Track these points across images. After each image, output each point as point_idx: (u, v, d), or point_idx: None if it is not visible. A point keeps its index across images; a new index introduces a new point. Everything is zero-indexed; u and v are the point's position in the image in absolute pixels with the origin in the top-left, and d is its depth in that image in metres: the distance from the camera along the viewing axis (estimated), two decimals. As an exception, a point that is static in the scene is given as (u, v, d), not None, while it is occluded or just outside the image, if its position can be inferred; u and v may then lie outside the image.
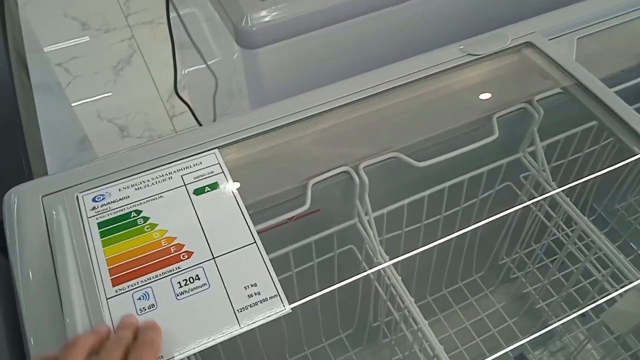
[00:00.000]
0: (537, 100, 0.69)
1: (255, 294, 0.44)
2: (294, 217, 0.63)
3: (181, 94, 1.62)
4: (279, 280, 0.71)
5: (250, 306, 0.44)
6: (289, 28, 0.68)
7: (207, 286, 0.45)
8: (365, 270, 0.71)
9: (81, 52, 1.91)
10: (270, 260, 0.68)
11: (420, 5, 0.77)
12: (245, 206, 0.59)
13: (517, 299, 0.95)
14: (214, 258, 0.46)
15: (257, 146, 0.61)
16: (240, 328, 0.43)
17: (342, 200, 0.68)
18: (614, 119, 0.59)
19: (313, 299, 0.58)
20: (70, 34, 1.97)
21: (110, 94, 1.78)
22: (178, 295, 0.44)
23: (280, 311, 0.44)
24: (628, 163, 0.60)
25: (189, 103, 1.52)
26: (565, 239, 0.76)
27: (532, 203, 0.79)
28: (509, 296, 0.94)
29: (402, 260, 0.62)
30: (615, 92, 0.65)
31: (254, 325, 0.43)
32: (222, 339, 0.42)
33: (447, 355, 0.59)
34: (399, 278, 0.65)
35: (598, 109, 0.60)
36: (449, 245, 0.85)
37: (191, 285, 0.45)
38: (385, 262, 0.66)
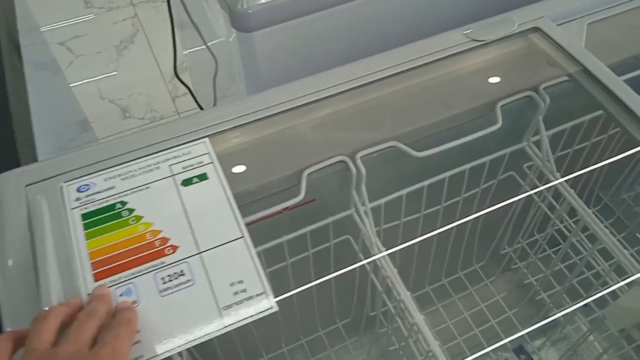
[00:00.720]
0: (543, 88, 0.67)
1: (242, 291, 0.43)
2: (288, 207, 0.62)
3: (182, 76, 1.60)
4: (274, 270, 0.71)
5: (236, 304, 0.42)
6: (286, 11, 0.65)
7: (192, 282, 0.43)
8: (362, 261, 0.69)
9: (84, 30, 1.89)
10: (265, 250, 0.67)
11: (424, -13, 0.74)
12: (237, 197, 0.58)
13: (518, 290, 0.93)
14: (199, 253, 0.45)
15: (250, 135, 0.59)
16: (225, 327, 0.41)
17: (339, 190, 0.66)
18: (621, 109, 0.56)
19: (309, 287, 0.57)
20: (73, 12, 1.95)
21: (112, 74, 1.76)
22: (162, 291, 0.43)
23: (266, 309, 0.42)
24: (635, 153, 0.58)
25: (191, 84, 1.50)
26: (568, 233, 0.74)
27: (535, 193, 0.77)
28: (510, 287, 0.93)
29: (400, 249, 0.61)
30: (626, 80, 0.63)
31: (238, 324, 0.42)
32: (205, 338, 0.41)
33: (442, 350, 0.58)
34: (395, 271, 0.63)
35: (605, 98, 0.58)
36: (449, 235, 0.83)
37: (175, 282, 0.43)
38: (381, 254, 0.64)
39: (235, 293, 0.43)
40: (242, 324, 0.42)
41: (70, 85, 1.70)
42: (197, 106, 1.29)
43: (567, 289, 0.86)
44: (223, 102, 1.11)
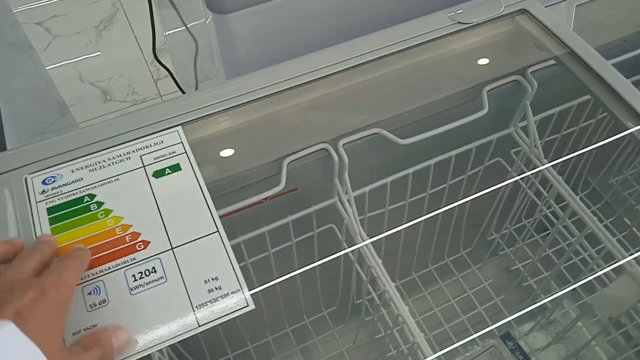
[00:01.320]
0: (530, 72, 0.65)
1: (216, 289, 0.41)
2: (269, 197, 0.60)
3: (164, 57, 1.56)
4: (257, 260, 0.69)
5: (210, 302, 0.40)
6: (264, -9, 0.63)
7: (164, 280, 0.41)
8: (345, 250, 0.68)
9: (62, 10, 1.83)
10: (247, 240, 0.65)
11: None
12: (215, 187, 0.55)
13: (506, 276, 0.92)
14: (172, 249, 0.43)
15: (227, 122, 0.57)
16: (199, 326, 0.40)
17: (322, 178, 0.64)
18: (609, 93, 0.55)
19: (293, 276, 0.55)
20: (51, -10, 1.88)
21: (92, 55, 1.71)
22: (132, 289, 0.41)
23: (242, 308, 0.40)
24: (623, 137, 0.56)
25: (172, 66, 1.46)
26: (556, 219, 0.73)
27: (523, 179, 0.76)
28: (497, 272, 0.92)
29: (386, 236, 0.59)
30: (615, 64, 0.61)
31: (213, 324, 0.40)
32: (178, 339, 0.39)
33: (426, 342, 0.57)
34: (379, 261, 0.62)
35: (593, 82, 0.56)
36: (435, 221, 0.82)
37: (147, 279, 0.41)
38: (364, 242, 0.62)
39: (210, 290, 0.41)
40: (217, 323, 0.40)
41: (49, 67, 1.65)
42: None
43: (555, 275, 0.85)
44: (203, 86, 1.08)
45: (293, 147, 0.59)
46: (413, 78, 0.63)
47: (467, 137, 0.70)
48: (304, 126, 0.61)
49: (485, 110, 0.63)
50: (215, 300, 0.41)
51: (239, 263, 0.67)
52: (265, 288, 0.50)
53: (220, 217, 0.53)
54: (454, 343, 0.59)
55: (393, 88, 0.63)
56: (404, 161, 0.69)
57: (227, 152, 0.57)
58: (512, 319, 0.86)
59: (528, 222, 0.85)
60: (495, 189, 0.73)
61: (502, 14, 0.62)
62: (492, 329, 0.75)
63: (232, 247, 0.62)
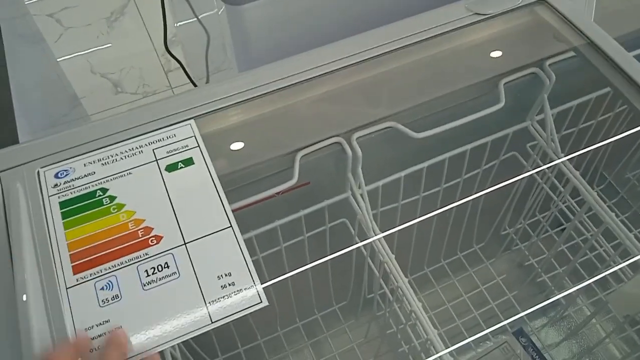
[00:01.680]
0: (549, 65, 0.63)
1: (230, 285, 0.41)
2: (282, 191, 0.59)
3: (175, 49, 1.55)
4: (269, 255, 0.68)
5: (224, 298, 0.40)
6: (277, -18, 0.62)
7: (177, 275, 0.41)
8: (357, 245, 0.67)
9: (73, 1, 1.82)
10: (259, 235, 0.65)
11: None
12: (228, 181, 0.55)
13: (519, 271, 0.91)
14: (185, 244, 0.42)
15: (240, 116, 0.56)
16: (212, 323, 0.39)
17: (335, 172, 0.63)
18: (630, 85, 0.53)
19: (304, 270, 0.54)
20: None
21: (103, 47, 1.71)
22: (145, 285, 0.40)
23: (256, 304, 0.40)
24: (642, 132, 0.55)
25: (183, 58, 1.46)
26: (572, 215, 0.71)
27: (538, 174, 0.74)
28: (510, 268, 0.91)
29: (398, 230, 0.58)
30: (637, 55, 0.60)
31: (227, 320, 0.39)
32: (191, 335, 0.39)
33: (439, 338, 0.56)
34: (392, 256, 0.61)
35: (613, 74, 0.55)
36: (448, 216, 0.81)
37: (159, 274, 0.41)
38: (376, 237, 0.62)
39: (223, 286, 0.40)
40: (230, 320, 0.40)
41: (61, 59, 1.65)
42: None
43: (569, 271, 0.84)
44: (215, 77, 1.07)
45: (306, 140, 0.58)
46: (428, 70, 0.62)
47: (482, 130, 0.69)
48: (317, 119, 0.61)
49: (502, 104, 0.62)
50: (229, 296, 0.40)
51: (251, 257, 0.67)
52: (277, 282, 0.49)
53: (232, 211, 0.52)
54: (466, 338, 0.58)
55: (408, 81, 0.62)
56: (418, 155, 0.68)
57: (239, 146, 0.57)
58: (525, 315, 0.86)
59: (543, 217, 0.84)
60: (509, 183, 0.72)
61: (520, 4, 0.61)
62: (504, 325, 0.74)
63: (245, 241, 0.62)
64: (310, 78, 0.58)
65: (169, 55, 1.68)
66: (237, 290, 0.40)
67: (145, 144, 0.48)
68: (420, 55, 0.61)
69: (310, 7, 0.67)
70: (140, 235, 0.43)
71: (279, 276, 0.51)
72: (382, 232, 0.62)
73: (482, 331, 0.60)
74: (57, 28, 1.74)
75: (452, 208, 0.77)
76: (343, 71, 0.59)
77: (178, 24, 1.32)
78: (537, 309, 0.89)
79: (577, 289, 0.80)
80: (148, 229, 0.43)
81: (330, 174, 0.64)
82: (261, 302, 0.40)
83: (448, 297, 0.87)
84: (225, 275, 0.41)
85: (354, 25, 0.62)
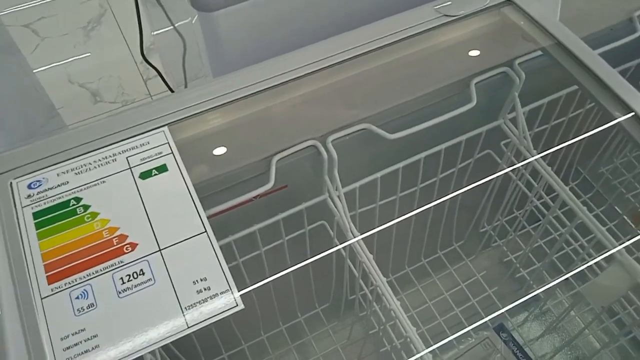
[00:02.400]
0: (518, 64, 0.65)
1: (205, 289, 0.41)
2: (259, 195, 0.59)
3: (153, 57, 1.55)
4: (249, 259, 0.69)
5: (199, 303, 0.40)
6: (249, -12, 0.62)
7: (153, 282, 0.41)
8: (335, 247, 0.68)
9: (50, 11, 1.81)
10: (239, 239, 0.65)
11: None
12: (204, 186, 0.55)
13: (498, 267, 0.93)
14: (160, 250, 0.42)
15: (215, 121, 0.57)
16: (188, 327, 0.39)
17: (312, 174, 0.64)
18: (596, 83, 0.55)
19: (285, 274, 0.55)
20: (37, -8, 1.87)
21: (81, 56, 1.70)
22: (120, 292, 0.40)
23: (231, 307, 0.40)
24: (612, 127, 0.56)
25: (161, 65, 1.45)
26: (546, 210, 0.73)
27: (513, 171, 0.76)
28: (490, 264, 0.92)
29: (378, 231, 0.59)
30: (602, 53, 0.61)
31: (203, 324, 0.40)
32: (168, 340, 0.39)
33: (418, 336, 0.57)
34: (371, 256, 0.61)
35: (579, 72, 0.56)
36: (426, 215, 0.82)
37: (135, 281, 0.41)
38: (355, 239, 0.62)
39: (199, 291, 0.41)
40: (206, 324, 0.40)
41: (38, 69, 1.64)
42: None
43: (547, 266, 0.86)
44: (193, 84, 1.07)
45: (282, 144, 0.59)
46: (401, 72, 0.63)
47: (456, 130, 0.70)
48: (293, 123, 0.61)
49: (474, 103, 0.63)
50: (205, 300, 0.40)
51: (230, 262, 0.67)
52: (258, 287, 0.50)
53: (210, 216, 0.52)
54: (448, 336, 0.59)
55: (381, 82, 0.63)
56: (394, 156, 0.69)
57: (215, 151, 0.57)
58: (506, 311, 0.87)
59: (519, 214, 0.85)
60: (485, 182, 0.73)
61: (488, 5, 0.62)
62: (485, 321, 0.75)
63: (223, 246, 0.63)
64: (284, 82, 0.58)
65: (147, 64, 1.68)
66: (213, 295, 0.41)
67: (119, 152, 0.49)
68: (391, 57, 0.62)
69: (282, 12, 0.67)
70: (114, 243, 0.43)
71: (260, 280, 0.52)
72: (360, 233, 0.63)
73: (464, 329, 0.61)
74: (34, 38, 1.73)
75: (430, 207, 0.78)
76: (316, 74, 0.59)
77: (155, 32, 1.32)
78: (518, 305, 0.91)
79: (556, 283, 0.82)
80: (123, 237, 0.43)
81: (307, 176, 0.65)
82: (237, 305, 0.40)
83: (429, 296, 0.87)
84: (201, 280, 0.41)
85: (326, 30, 0.63)
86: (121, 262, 0.42)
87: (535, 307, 0.88)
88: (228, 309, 0.40)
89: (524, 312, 0.88)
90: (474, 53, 0.64)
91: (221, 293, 0.41)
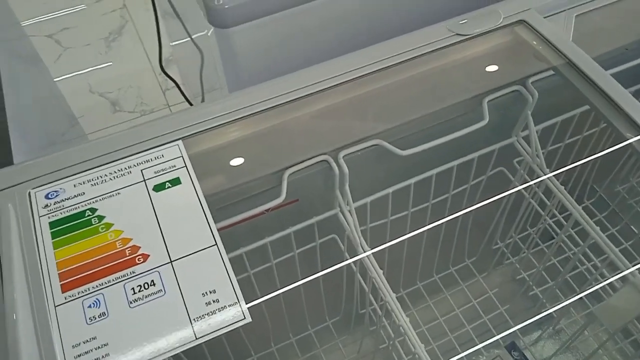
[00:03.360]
0: (531, 82, 0.65)
1: (214, 302, 0.42)
2: (270, 208, 0.60)
3: (172, 67, 1.58)
4: (260, 271, 0.69)
5: (208, 315, 0.41)
6: (263, 6, 0.63)
7: (163, 293, 0.42)
8: (346, 262, 0.68)
9: (72, 22, 1.86)
10: (250, 252, 0.66)
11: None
12: (217, 199, 0.56)
13: (511, 285, 0.92)
14: (171, 262, 0.43)
15: (229, 136, 0.58)
16: (196, 339, 0.40)
17: (323, 189, 0.64)
18: (608, 103, 0.55)
19: (296, 287, 0.55)
20: (62, 3, 1.91)
21: (101, 66, 1.74)
22: (131, 302, 0.41)
23: (239, 320, 0.41)
24: (627, 147, 0.56)
25: (180, 76, 1.48)
26: (559, 229, 0.72)
27: (526, 189, 0.76)
28: (503, 282, 0.92)
29: (388, 247, 0.59)
30: (616, 73, 0.61)
31: (211, 336, 0.40)
32: (176, 351, 0.40)
33: (426, 353, 0.57)
34: (381, 272, 0.62)
35: (591, 92, 0.56)
36: (438, 231, 0.82)
37: (145, 292, 0.42)
38: (365, 253, 0.62)
39: (208, 303, 0.41)
40: (214, 336, 0.40)
41: (60, 78, 1.68)
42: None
43: (561, 284, 0.85)
44: (209, 96, 1.09)
45: (294, 158, 0.59)
46: (413, 89, 0.63)
47: (469, 147, 0.70)
48: (305, 138, 0.62)
49: (486, 121, 0.63)
50: (213, 313, 0.41)
51: (242, 274, 0.68)
52: (269, 299, 0.50)
53: (222, 228, 0.53)
54: (459, 353, 0.59)
55: (393, 99, 0.63)
56: (405, 172, 0.69)
57: (228, 165, 0.58)
58: (518, 329, 0.86)
59: (533, 231, 0.85)
60: (498, 199, 0.73)
61: (500, 25, 0.62)
62: (497, 339, 0.75)
63: (235, 258, 0.63)
64: (297, 98, 0.59)
65: (165, 75, 1.71)
66: (221, 307, 0.41)
67: (134, 165, 0.50)
68: (404, 74, 0.62)
69: (296, 30, 0.68)
70: (127, 254, 0.44)
71: (271, 292, 0.52)
72: (371, 248, 0.63)
73: (475, 346, 0.61)
74: (57, 48, 1.77)
75: (442, 224, 0.78)
76: (329, 91, 0.60)
77: (173, 43, 1.35)
78: (531, 323, 0.90)
79: (568, 303, 0.81)
80: (135, 248, 0.44)
81: (319, 190, 0.65)
82: (244, 318, 0.41)
83: (441, 312, 0.87)
84: (210, 292, 0.42)
85: (339, 47, 0.64)
86: (133, 272, 0.43)
87: (548, 326, 0.87)
88: (236, 322, 0.41)
89: (537, 331, 0.87)
90: (487, 71, 0.64)
91: (229, 305, 0.41)
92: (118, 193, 0.48)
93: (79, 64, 1.73)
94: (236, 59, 0.68)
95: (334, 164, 0.59)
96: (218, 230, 0.54)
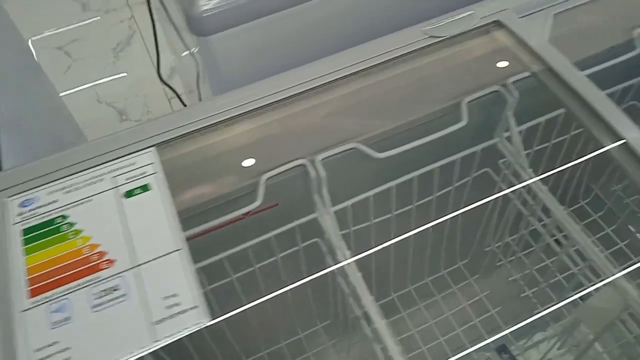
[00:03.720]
0: (512, 83, 0.65)
1: (175, 305, 0.42)
2: (249, 212, 0.61)
3: (175, 77, 1.60)
4: (243, 275, 0.70)
5: (169, 318, 0.42)
6: (243, 13, 0.64)
7: (126, 297, 0.43)
8: (330, 265, 0.68)
9: (82, 34, 1.90)
10: (232, 258, 0.67)
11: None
12: (193, 205, 0.57)
13: (504, 287, 0.91)
14: (135, 267, 0.44)
15: (205, 141, 0.59)
16: (157, 341, 0.41)
17: (302, 193, 0.65)
18: (583, 107, 0.54)
19: (281, 293, 0.56)
20: (71, 16, 1.96)
21: (110, 77, 1.77)
22: (94, 307, 0.42)
23: (199, 323, 0.42)
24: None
25: (183, 86, 1.50)
26: (542, 231, 0.72)
27: (509, 191, 0.75)
28: (496, 284, 0.91)
29: (371, 252, 0.59)
30: (595, 73, 0.60)
31: (171, 339, 0.41)
32: (138, 355, 0.41)
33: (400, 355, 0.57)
34: (359, 275, 0.62)
35: (566, 95, 0.55)
36: (425, 234, 0.81)
37: (109, 297, 0.43)
38: (345, 259, 0.63)
39: (168, 307, 0.42)
40: (175, 338, 0.41)
41: (70, 89, 1.72)
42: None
43: (553, 285, 0.84)
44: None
45: (271, 163, 0.60)
46: (391, 92, 0.64)
47: (452, 149, 0.70)
48: (282, 142, 0.63)
49: (465, 122, 0.63)
50: (173, 316, 0.42)
51: (224, 279, 0.68)
52: (255, 305, 0.51)
53: (199, 234, 0.54)
54: (449, 357, 0.59)
55: (371, 102, 0.64)
56: (388, 174, 0.69)
57: (204, 171, 0.59)
58: (510, 332, 0.85)
59: (522, 233, 0.84)
60: (482, 203, 0.72)
61: (476, 26, 0.62)
62: (488, 342, 0.74)
63: (215, 263, 0.64)
64: (273, 102, 0.60)
65: (171, 83, 1.73)
66: (182, 311, 0.42)
67: (107, 172, 0.51)
68: (381, 77, 0.63)
69: (275, 36, 0.69)
70: (93, 260, 0.45)
71: (257, 298, 0.53)
72: (355, 250, 0.64)
73: (466, 349, 0.61)
74: (66, 60, 1.81)
75: (428, 228, 0.78)
76: (305, 95, 0.61)
77: (173, 55, 1.37)
78: (524, 325, 0.89)
79: (559, 307, 0.80)
80: (101, 254, 0.45)
81: (299, 194, 0.66)
82: (203, 321, 0.42)
83: (432, 315, 0.87)
84: (172, 296, 0.43)
85: (319, 51, 0.64)
86: (98, 277, 0.44)
87: (540, 328, 0.86)
88: (195, 324, 0.41)
89: (529, 333, 0.86)
90: (465, 73, 0.64)
91: (190, 309, 0.42)
92: (90, 200, 0.49)
93: (88, 74, 1.77)
94: (217, 66, 0.69)
95: (311, 168, 0.60)
96: (195, 236, 0.55)
